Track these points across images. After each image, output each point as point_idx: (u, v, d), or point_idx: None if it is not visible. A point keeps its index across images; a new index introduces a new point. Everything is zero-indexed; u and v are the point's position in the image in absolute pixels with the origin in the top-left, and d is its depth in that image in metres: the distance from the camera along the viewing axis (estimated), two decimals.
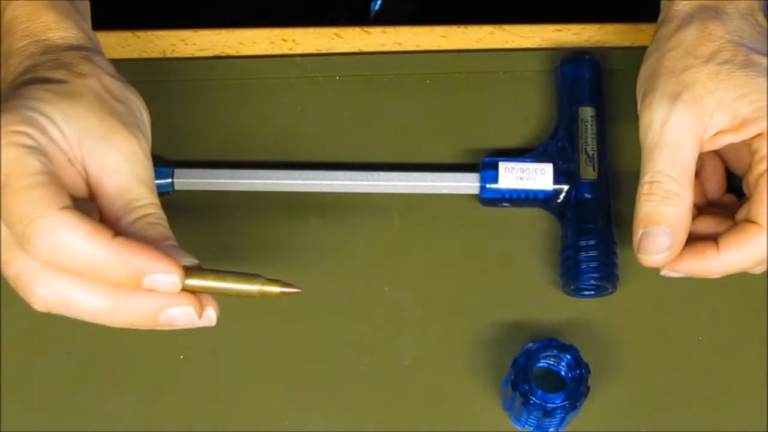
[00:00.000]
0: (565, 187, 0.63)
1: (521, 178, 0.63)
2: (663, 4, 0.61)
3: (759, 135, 0.55)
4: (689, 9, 0.59)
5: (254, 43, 0.70)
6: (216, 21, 0.71)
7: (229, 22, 0.71)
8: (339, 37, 0.70)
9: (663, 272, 0.57)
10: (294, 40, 0.70)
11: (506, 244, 0.64)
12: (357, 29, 0.70)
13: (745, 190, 0.57)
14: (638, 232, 0.56)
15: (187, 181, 0.64)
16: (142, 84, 0.55)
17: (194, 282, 0.47)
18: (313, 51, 0.70)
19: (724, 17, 0.57)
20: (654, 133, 0.56)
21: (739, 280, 0.59)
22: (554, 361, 0.58)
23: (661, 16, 0.61)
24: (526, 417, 0.58)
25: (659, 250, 0.55)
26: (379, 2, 0.83)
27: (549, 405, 0.56)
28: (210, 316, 0.48)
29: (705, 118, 0.55)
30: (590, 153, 0.64)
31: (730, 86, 0.55)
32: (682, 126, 0.55)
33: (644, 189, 0.56)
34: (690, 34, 0.57)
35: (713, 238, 0.56)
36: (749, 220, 0.55)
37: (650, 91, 0.57)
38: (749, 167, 0.56)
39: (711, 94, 0.55)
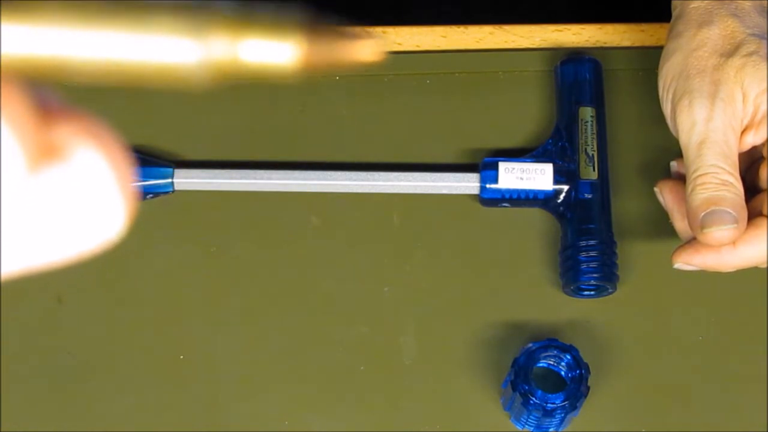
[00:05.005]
0: (565, 187, 0.63)
1: (521, 178, 0.63)
2: (675, 2, 0.61)
3: None
4: (707, 5, 0.59)
5: None
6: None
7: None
8: None
9: (676, 265, 0.57)
10: None
11: (506, 244, 0.64)
12: (357, 29, 0.70)
13: (760, 184, 0.57)
14: (699, 215, 0.55)
15: (187, 181, 0.64)
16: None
17: None
18: None
19: (743, 14, 0.58)
20: (699, 130, 0.56)
21: (739, 280, 0.59)
22: (554, 361, 0.58)
23: (675, 13, 0.61)
24: (526, 417, 0.58)
25: (726, 222, 0.54)
26: None
27: (549, 405, 0.56)
28: None
29: (739, 114, 0.56)
30: (590, 153, 0.64)
31: (755, 80, 0.56)
32: (725, 123, 0.56)
33: (697, 181, 0.55)
34: (713, 33, 0.58)
35: None
36: (764, 215, 0.55)
37: (686, 92, 0.57)
38: (764, 161, 0.56)
39: (739, 87, 0.56)
